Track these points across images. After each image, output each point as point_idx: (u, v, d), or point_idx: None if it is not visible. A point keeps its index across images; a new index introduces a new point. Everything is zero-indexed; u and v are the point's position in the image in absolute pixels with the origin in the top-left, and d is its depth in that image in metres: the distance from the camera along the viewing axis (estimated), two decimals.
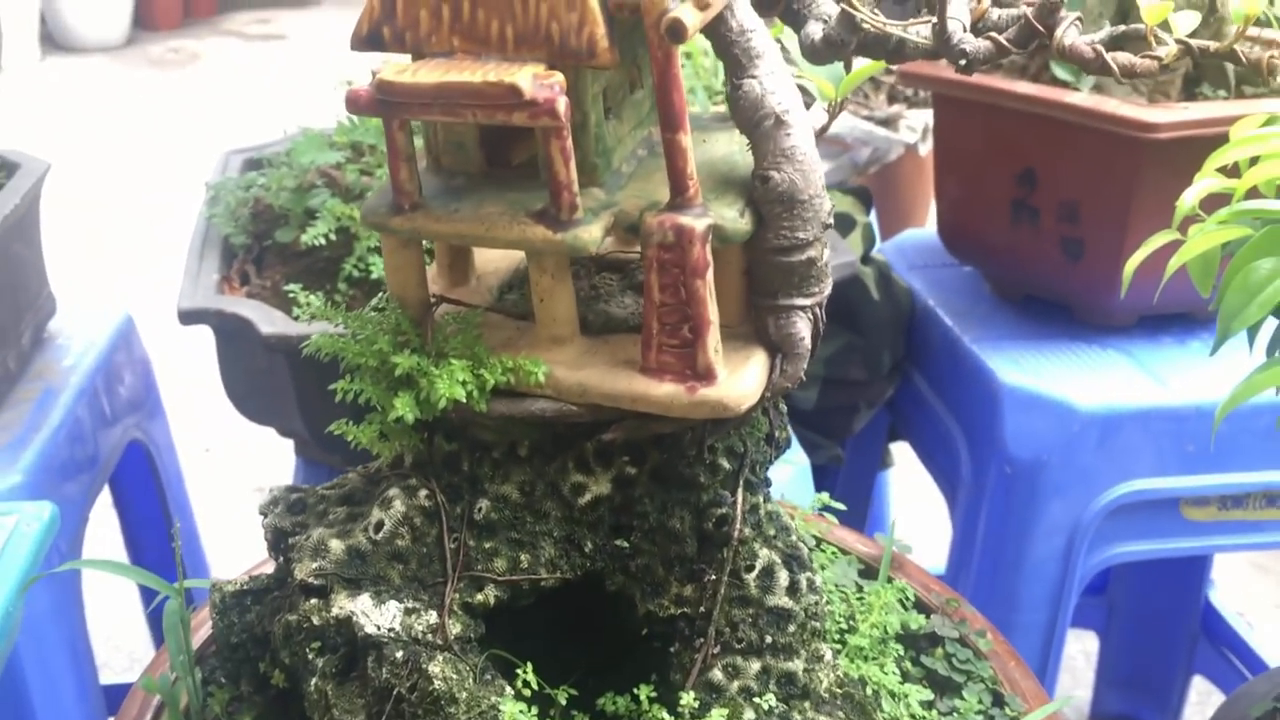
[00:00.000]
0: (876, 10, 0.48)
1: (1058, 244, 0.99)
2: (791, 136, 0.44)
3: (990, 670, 0.58)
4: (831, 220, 0.46)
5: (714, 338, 0.45)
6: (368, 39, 0.46)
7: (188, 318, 0.83)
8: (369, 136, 0.90)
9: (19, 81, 4.82)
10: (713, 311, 0.45)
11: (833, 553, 0.64)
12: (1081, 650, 1.52)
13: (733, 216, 0.45)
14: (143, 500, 1.16)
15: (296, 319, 0.81)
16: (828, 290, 0.47)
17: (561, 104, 0.42)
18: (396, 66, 0.43)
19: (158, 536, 1.19)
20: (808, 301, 0.47)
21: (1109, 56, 0.45)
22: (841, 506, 0.70)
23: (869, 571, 0.65)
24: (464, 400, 0.45)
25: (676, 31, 0.41)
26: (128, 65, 5.17)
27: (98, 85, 4.94)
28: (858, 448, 1.23)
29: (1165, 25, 0.49)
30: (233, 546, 1.26)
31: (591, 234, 0.44)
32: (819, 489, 1.29)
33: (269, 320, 0.79)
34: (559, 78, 0.42)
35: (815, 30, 0.50)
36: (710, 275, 0.45)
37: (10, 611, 0.65)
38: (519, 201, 0.46)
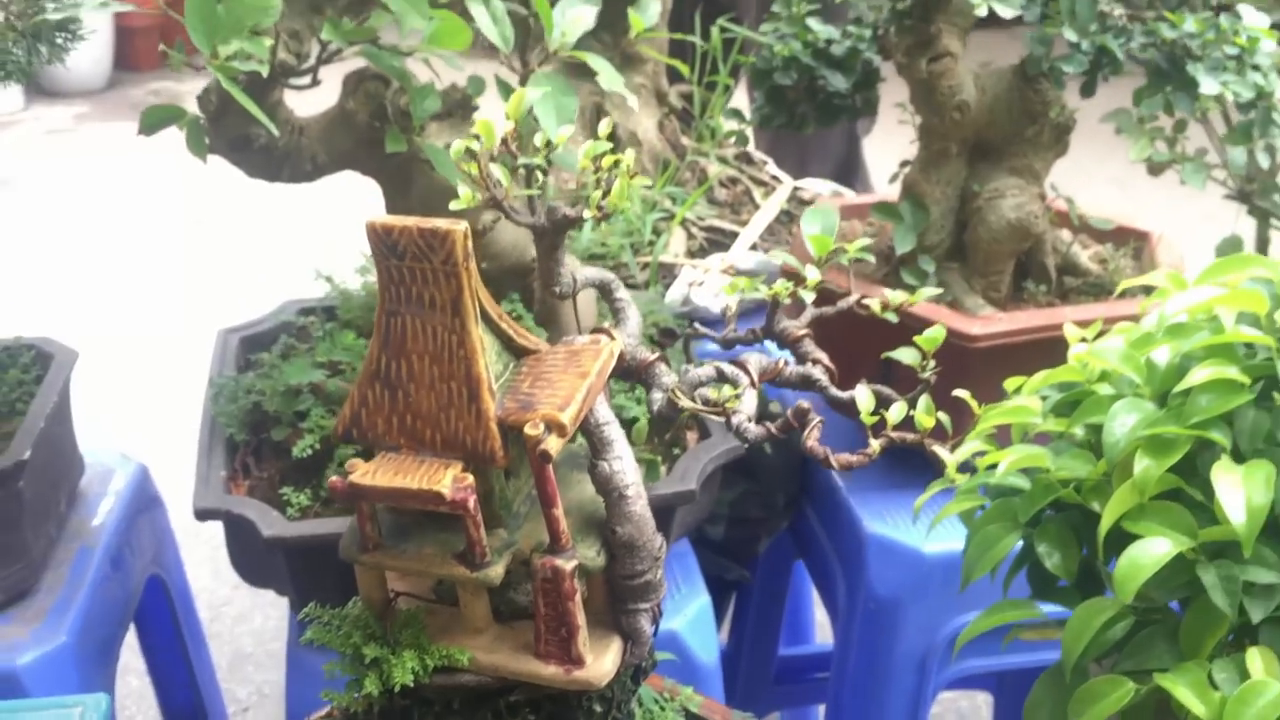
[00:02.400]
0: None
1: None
2: (630, 504, 0.66)
3: None
4: (662, 554, 0.67)
5: (582, 636, 0.66)
6: (344, 436, 0.66)
7: (203, 515, 1.03)
8: (348, 356, 1.11)
9: (4, 132, 4.98)
10: (580, 620, 0.66)
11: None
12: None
13: (592, 555, 0.66)
14: (161, 626, 1.37)
15: (290, 518, 1.02)
16: (662, 593, 0.69)
17: (471, 502, 0.63)
18: (361, 469, 0.64)
19: (173, 656, 1.40)
20: (647, 605, 0.68)
21: (834, 458, 0.66)
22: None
23: None
24: (420, 680, 0.66)
25: (546, 456, 0.62)
26: (110, 110, 5.33)
27: (81, 136, 5.09)
28: (767, 566, 1.44)
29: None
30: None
31: (497, 571, 0.65)
32: (737, 603, 1.51)
33: (268, 522, 0.99)
34: (470, 480, 0.63)
35: (658, 397, 0.71)
36: (578, 596, 0.66)
37: None
38: (448, 543, 0.67)
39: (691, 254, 1.63)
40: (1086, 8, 1.09)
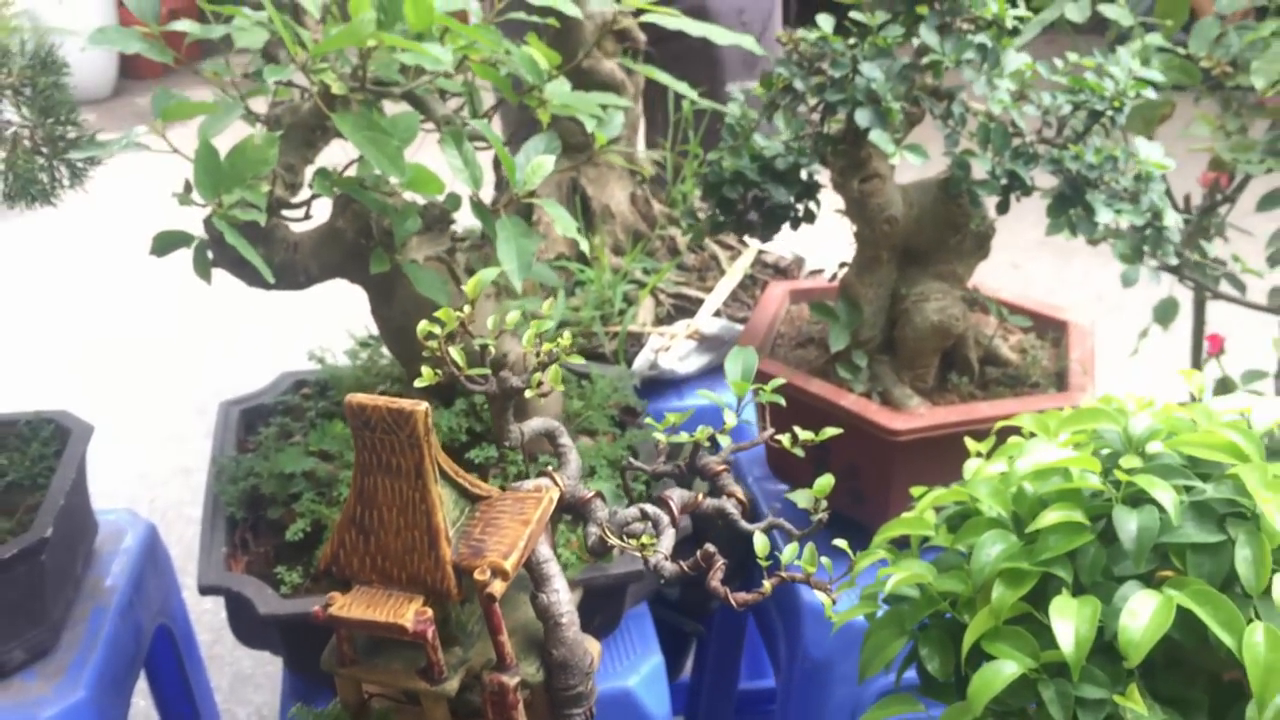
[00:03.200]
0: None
1: (847, 491, 1.34)
2: (564, 630, 0.79)
3: None
4: (593, 669, 0.80)
5: None
6: (325, 570, 0.80)
7: (206, 590, 1.16)
8: (336, 445, 1.24)
9: None
10: None
11: None
12: None
13: (533, 672, 0.79)
14: (167, 668, 1.51)
15: (283, 595, 1.15)
16: (593, 700, 0.82)
17: (430, 632, 0.76)
18: (339, 602, 0.77)
19: (178, 692, 1.53)
20: (580, 710, 0.81)
21: (732, 598, 0.79)
22: None
23: None
24: None
25: (491, 598, 0.75)
26: (117, 118, 5.44)
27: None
28: (725, 613, 1.58)
29: None
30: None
31: (453, 685, 0.79)
32: (701, 641, 1.64)
33: (264, 600, 1.12)
34: (429, 614, 0.76)
35: (592, 531, 0.84)
36: (520, 705, 0.79)
37: None
38: (412, 660, 0.80)
39: (659, 320, 1.76)
40: (1000, 138, 1.22)
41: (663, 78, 1.33)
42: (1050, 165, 1.22)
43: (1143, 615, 0.76)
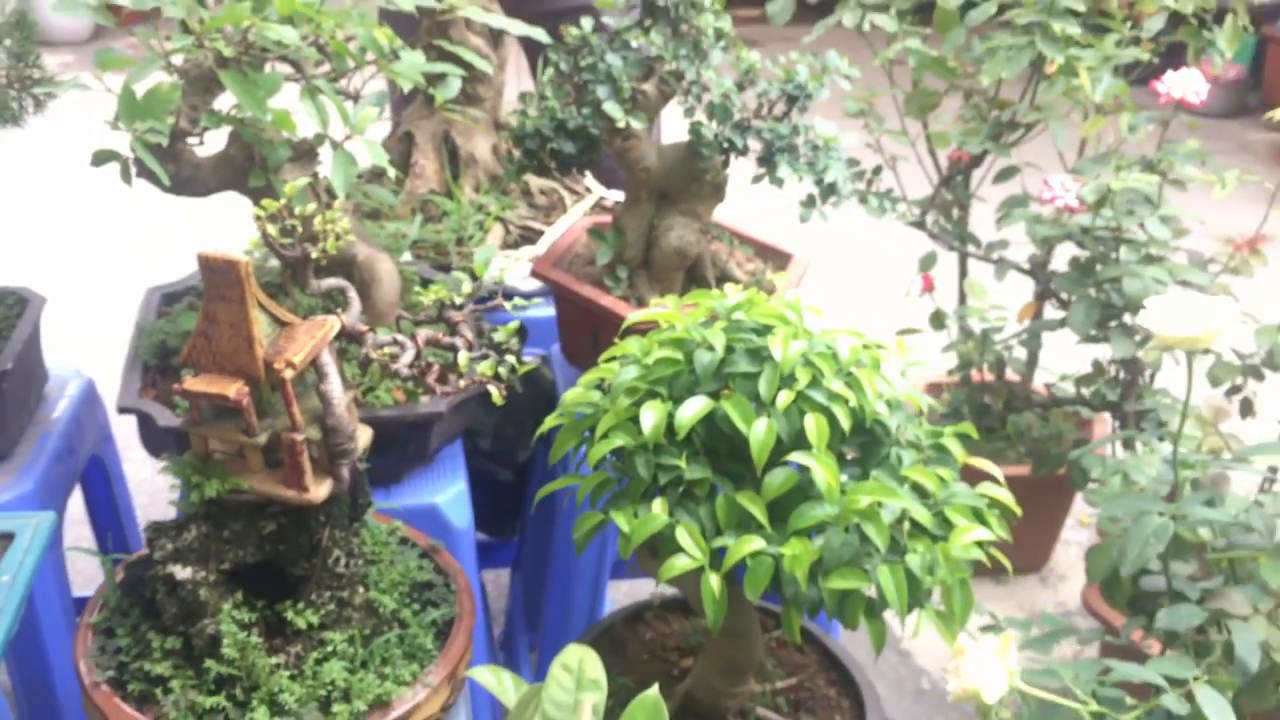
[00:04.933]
0: None
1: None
2: (334, 406, 1.24)
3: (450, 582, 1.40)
4: (355, 436, 1.26)
5: (308, 477, 1.25)
6: (184, 362, 1.25)
7: (123, 410, 1.61)
8: None
9: None
10: (307, 467, 1.25)
11: (398, 542, 1.44)
12: None
13: (314, 434, 1.25)
14: (100, 492, 1.96)
15: (179, 413, 1.60)
16: (354, 456, 1.27)
17: (245, 401, 1.21)
18: (190, 381, 1.22)
19: (108, 512, 1.99)
20: (345, 462, 1.26)
21: (439, 388, 1.25)
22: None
23: (425, 552, 1.46)
24: (220, 495, 1.25)
25: (283, 380, 1.20)
26: (89, 60, 5.80)
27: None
28: (534, 463, 2.05)
29: None
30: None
31: (262, 439, 1.24)
32: (514, 493, 2.11)
33: (163, 418, 1.58)
34: (246, 390, 1.21)
35: (363, 351, 1.29)
36: (306, 455, 1.24)
37: (34, 569, 1.43)
38: (238, 424, 1.25)
39: (506, 246, 2.21)
40: (722, 113, 1.67)
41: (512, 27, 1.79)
42: (755, 135, 1.67)
43: (690, 410, 1.22)
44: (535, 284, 2.14)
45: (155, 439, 1.65)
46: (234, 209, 1.71)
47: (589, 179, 2.46)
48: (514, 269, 2.14)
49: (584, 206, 2.33)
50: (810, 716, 1.40)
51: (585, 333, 1.83)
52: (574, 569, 1.93)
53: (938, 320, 2.35)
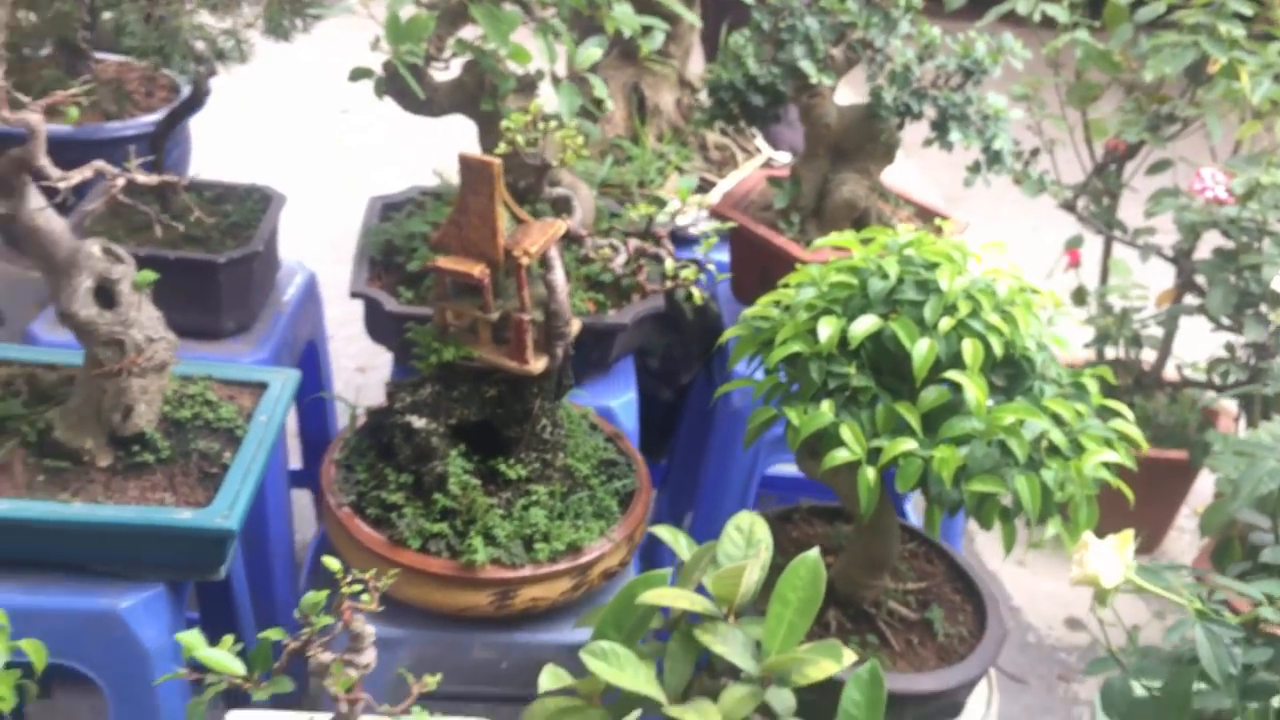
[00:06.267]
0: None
1: None
2: (558, 294, 1.46)
3: (631, 464, 1.61)
4: (571, 323, 1.47)
5: (529, 351, 1.47)
6: (435, 245, 1.48)
7: (355, 295, 1.86)
8: (440, 218, 1.92)
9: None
10: (529, 343, 1.47)
11: (588, 427, 1.66)
12: None
13: (538, 315, 1.47)
14: (310, 374, 2.23)
15: (402, 302, 1.84)
16: (570, 339, 1.49)
17: (486, 280, 1.43)
18: (441, 259, 1.45)
19: (314, 381, 2.26)
20: (562, 343, 1.48)
21: (648, 286, 1.46)
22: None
23: (609, 437, 1.68)
24: (454, 360, 1.48)
25: (519, 264, 1.43)
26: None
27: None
28: (695, 396, 2.25)
29: None
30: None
31: (494, 316, 1.46)
32: (669, 416, 2.33)
33: (389, 303, 1.82)
34: (488, 271, 1.44)
35: (583, 250, 1.51)
36: (530, 334, 1.46)
37: (285, 412, 1.68)
38: (476, 301, 1.48)
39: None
40: (901, 80, 1.85)
41: None
42: (931, 102, 1.85)
43: (862, 325, 1.41)
44: (702, 228, 2.34)
45: (379, 323, 1.89)
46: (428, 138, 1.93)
47: (759, 139, 2.65)
48: (687, 214, 2.34)
49: (755, 164, 2.52)
50: (936, 608, 1.58)
51: (755, 270, 2.02)
52: (722, 488, 2.12)
53: (1080, 296, 2.48)
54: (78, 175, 1.36)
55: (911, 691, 1.47)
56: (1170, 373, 2.66)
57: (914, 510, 2.28)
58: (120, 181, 1.36)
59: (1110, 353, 2.60)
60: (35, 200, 1.40)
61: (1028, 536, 1.72)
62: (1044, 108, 2.48)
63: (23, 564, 1.45)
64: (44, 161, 1.36)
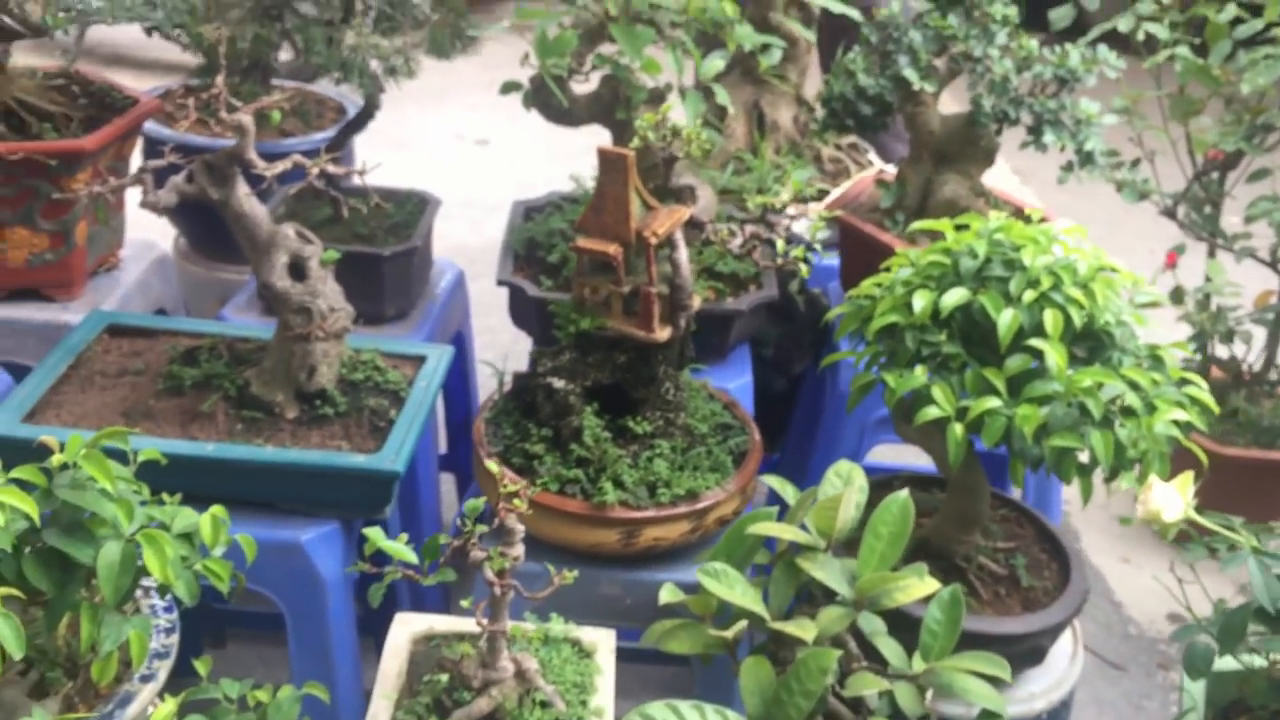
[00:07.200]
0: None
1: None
2: (681, 270, 1.66)
3: (745, 428, 1.80)
4: (693, 296, 1.67)
5: (655, 321, 1.68)
6: (577, 228, 1.70)
7: (500, 283, 2.10)
8: (576, 215, 2.15)
9: None
10: (656, 314, 1.67)
11: (706, 395, 1.86)
12: None
13: (664, 289, 1.67)
14: (456, 358, 2.47)
15: (542, 289, 2.07)
16: (691, 312, 1.69)
17: (620, 258, 1.65)
18: (583, 240, 1.67)
19: (460, 373, 2.50)
20: (684, 315, 1.68)
21: (763, 263, 1.65)
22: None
23: (725, 405, 1.87)
24: (589, 329, 1.70)
25: (648, 244, 1.63)
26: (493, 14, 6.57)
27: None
28: (810, 385, 2.43)
29: None
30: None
31: (626, 289, 1.67)
32: (782, 409, 2.52)
33: (532, 289, 2.05)
34: (621, 251, 1.65)
35: (704, 233, 1.71)
36: (656, 306, 1.67)
37: (442, 380, 1.91)
38: (609, 278, 1.69)
39: (797, 201, 2.60)
40: (1000, 89, 2.02)
41: (832, 5, 2.19)
42: (1028, 109, 2.01)
43: (952, 296, 1.58)
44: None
45: (522, 308, 2.12)
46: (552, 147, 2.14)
47: (871, 154, 2.83)
48: (803, 221, 2.53)
49: (865, 176, 2.69)
50: (1020, 557, 1.72)
51: (862, 265, 2.19)
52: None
53: (1177, 296, 2.59)
54: (280, 166, 1.62)
55: (996, 633, 1.62)
56: (1275, 376, 2.74)
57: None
58: (315, 170, 1.62)
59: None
60: (243, 188, 1.67)
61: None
62: (1144, 120, 2.60)
63: (222, 500, 1.70)
64: (252, 154, 1.62)
